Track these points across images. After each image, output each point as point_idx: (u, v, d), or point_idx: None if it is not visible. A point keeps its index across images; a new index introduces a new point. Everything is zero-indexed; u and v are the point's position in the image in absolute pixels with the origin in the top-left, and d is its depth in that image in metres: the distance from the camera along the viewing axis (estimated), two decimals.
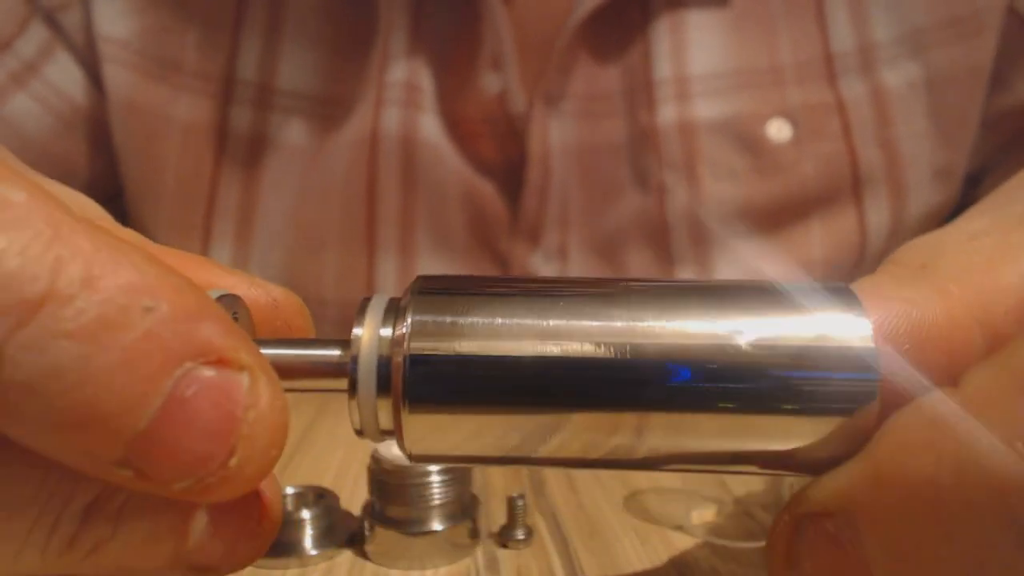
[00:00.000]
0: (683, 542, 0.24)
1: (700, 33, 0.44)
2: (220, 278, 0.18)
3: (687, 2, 0.44)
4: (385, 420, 0.16)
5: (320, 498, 0.25)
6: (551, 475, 0.30)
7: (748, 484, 0.27)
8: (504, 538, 0.24)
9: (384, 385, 0.15)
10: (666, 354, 0.15)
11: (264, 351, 0.14)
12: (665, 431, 0.15)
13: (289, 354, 0.16)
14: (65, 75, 0.46)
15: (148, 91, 0.45)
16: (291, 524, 0.23)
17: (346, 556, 0.24)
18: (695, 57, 0.44)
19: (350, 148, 0.44)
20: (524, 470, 0.30)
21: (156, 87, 0.45)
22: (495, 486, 0.29)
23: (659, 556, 0.24)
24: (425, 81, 0.44)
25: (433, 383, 0.15)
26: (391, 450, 0.24)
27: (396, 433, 0.16)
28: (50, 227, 0.12)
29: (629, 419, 0.15)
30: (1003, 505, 0.12)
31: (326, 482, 0.27)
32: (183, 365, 0.12)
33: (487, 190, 0.44)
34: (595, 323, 0.15)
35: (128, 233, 0.18)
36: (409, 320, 0.15)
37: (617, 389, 0.15)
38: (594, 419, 0.15)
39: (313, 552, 0.23)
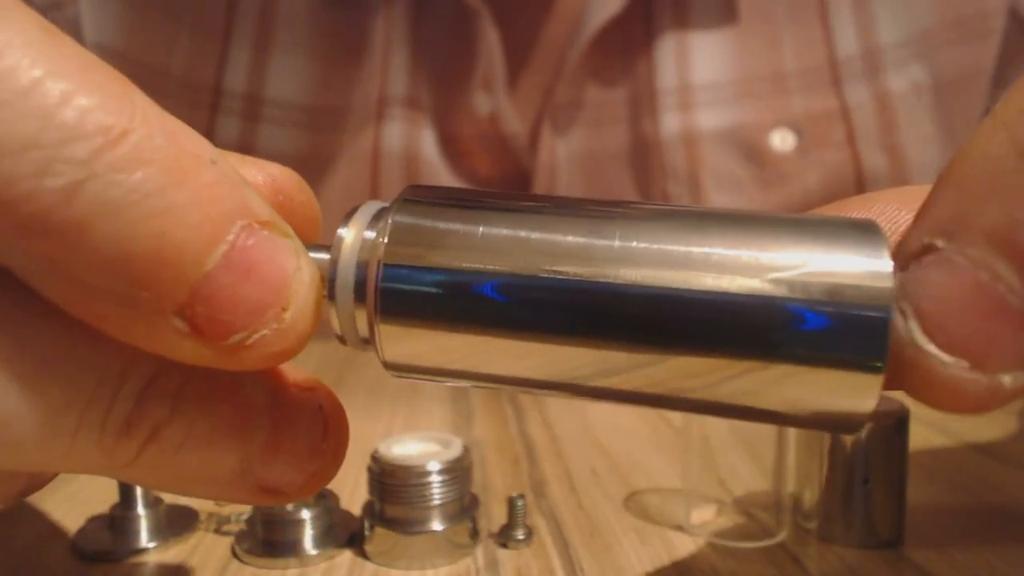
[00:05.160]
0: (683, 542, 0.24)
1: (704, 42, 0.44)
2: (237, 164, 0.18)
3: (691, 22, 0.44)
4: (363, 327, 0.15)
5: (320, 498, 0.25)
6: (551, 475, 0.30)
7: (748, 484, 0.27)
8: (504, 538, 0.24)
9: (360, 291, 0.15)
10: (656, 286, 0.14)
11: None
12: (643, 368, 0.14)
13: None
14: None
15: None
16: (291, 524, 0.23)
17: (346, 556, 0.24)
18: (698, 66, 0.44)
19: (349, 162, 0.44)
20: (524, 469, 0.30)
21: None
22: (495, 486, 0.29)
23: (659, 556, 0.24)
24: (424, 97, 0.44)
25: (406, 291, 0.14)
26: (391, 450, 0.24)
27: (372, 341, 0.15)
28: (129, 88, 0.13)
29: (597, 353, 0.14)
30: None
31: None
32: (242, 219, 0.13)
33: None
34: (582, 242, 0.14)
35: None
36: (389, 222, 0.15)
37: (599, 320, 0.14)
38: (568, 351, 0.14)
39: (313, 552, 0.23)
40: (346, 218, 0.15)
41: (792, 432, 0.25)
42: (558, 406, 0.38)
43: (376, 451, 0.24)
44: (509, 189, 0.44)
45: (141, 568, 0.23)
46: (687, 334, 0.14)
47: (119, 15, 0.44)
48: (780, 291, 0.13)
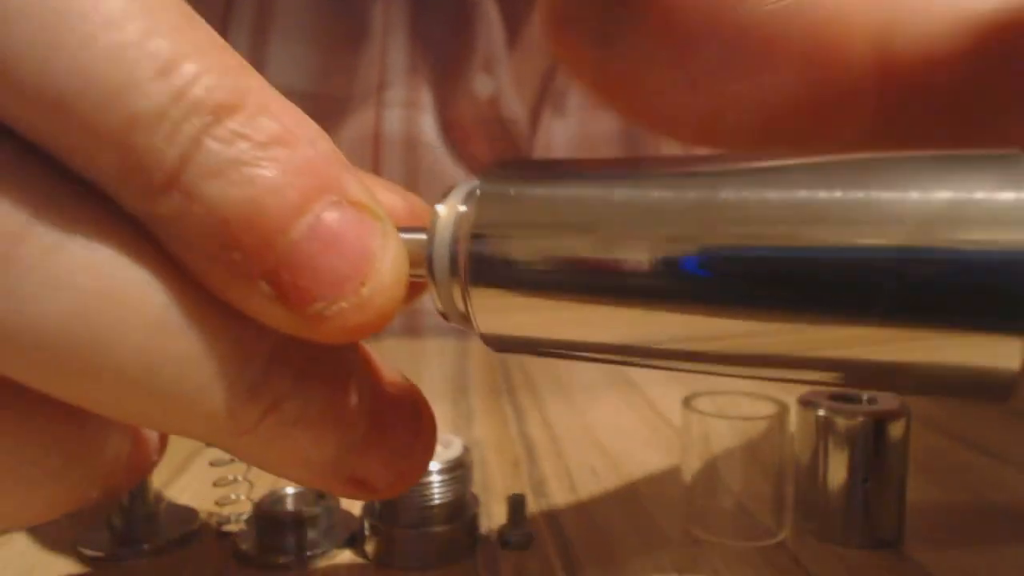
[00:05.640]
0: (683, 542, 0.24)
1: None
2: (362, 178, 0.19)
3: None
4: (460, 301, 0.15)
5: (320, 498, 0.25)
6: (551, 475, 0.30)
7: (748, 484, 0.27)
8: (504, 538, 0.24)
9: (455, 265, 0.15)
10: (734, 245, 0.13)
11: None
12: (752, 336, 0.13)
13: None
14: None
15: None
16: (291, 524, 0.23)
17: (346, 556, 0.24)
18: None
19: (351, 148, 0.44)
20: (524, 469, 0.30)
21: None
22: (495, 486, 0.29)
23: (659, 556, 0.24)
24: (424, 81, 0.44)
25: (496, 260, 0.14)
26: None
27: (468, 314, 0.15)
28: (243, 63, 0.14)
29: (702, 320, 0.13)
30: None
31: None
32: (332, 196, 0.14)
33: None
34: (693, 197, 0.13)
35: None
36: (477, 193, 0.15)
37: (735, 286, 0.13)
38: (662, 318, 0.13)
39: (313, 552, 0.23)
40: (443, 195, 0.16)
41: (792, 432, 0.25)
42: (558, 406, 0.38)
43: None
44: None
45: (141, 568, 0.23)
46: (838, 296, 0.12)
47: None
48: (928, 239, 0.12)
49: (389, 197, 0.19)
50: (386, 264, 0.14)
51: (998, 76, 0.15)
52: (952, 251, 0.11)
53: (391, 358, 0.19)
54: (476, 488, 0.25)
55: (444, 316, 0.16)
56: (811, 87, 0.14)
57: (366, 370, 0.16)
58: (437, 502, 0.23)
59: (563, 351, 0.15)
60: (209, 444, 0.16)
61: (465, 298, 0.15)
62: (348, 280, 0.14)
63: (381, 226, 0.14)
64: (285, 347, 0.15)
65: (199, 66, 0.13)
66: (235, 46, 0.15)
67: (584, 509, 0.27)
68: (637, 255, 0.13)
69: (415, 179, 0.44)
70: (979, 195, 0.12)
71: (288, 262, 0.13)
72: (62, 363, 0.13)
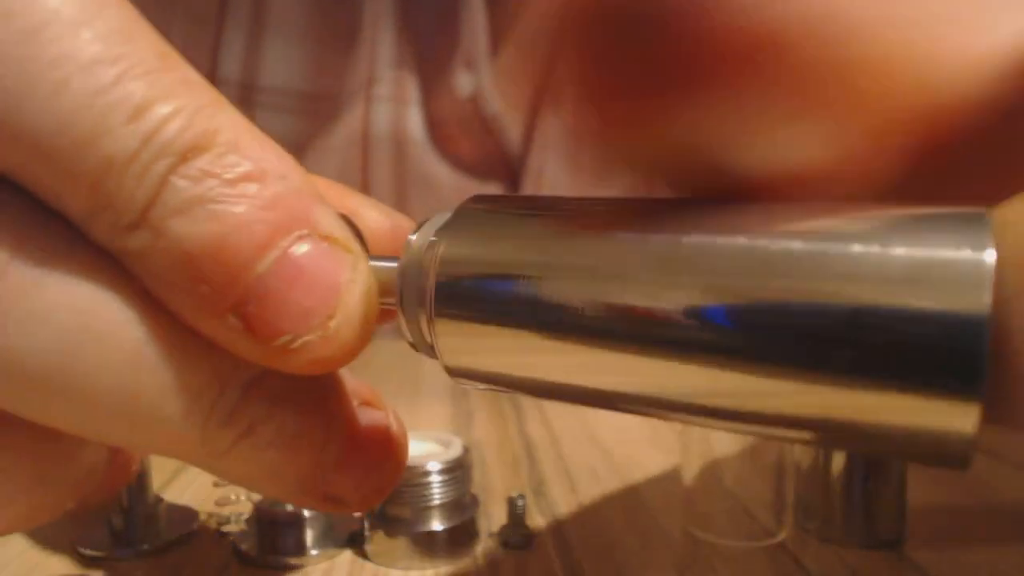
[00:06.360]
0: (683, 542, 0.24)
1: None
2: (347, 195, 0.19)
3: None
4: (428, 332, 0.15)
5: None
6: (551, 475, 0.30)
7: (748, 484, 0.27)
8: (504, 538, 0.24)
9: (422, 295, 0.15)
10: (697, 290, 0.12)
11: None
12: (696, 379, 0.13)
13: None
14: None
15: None
16: (291, 524, 0.23)
17: (346, 556, 0.24)
18: None
19: (342, 147, 0.44)
20: (524, 469, 0.30)
21: None
22: (495, 486, 0.29)
23: (659, 556, 0.24)
24: (410, 77, 0.44)
25: (462, 293, 0.14)
26: None
27: (434, 345, 0.15)
28: (217, 101, 0.14)
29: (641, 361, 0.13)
30: None
31: None
32: (301, 229, 0.14)
33: (471, 186, 0.45)
34: (629, 256, 0.13)
35: None
36: (448, 225, 0.15)
37: (638, 326, 0.13)
38: (615, 358, 0.13)
39: (313, 552, 0.23)
40: (418, 225, 0.16)
41: None
42: (558, 406, 0.38)
43: None
44: (490, 171, 0.44)
45: (141, 568, 0.23)
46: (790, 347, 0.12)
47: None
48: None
49: (373, 216, 0.19)
50: (354, 297, 0.14)
51: None
52: (905, 312, 0.11)
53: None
54: (476, 488, 0.25)
55: (413, 346, 0.16)
56: (847, 136, 0.14)
57: (341, 391, 0.17)
58: (437, 502, 0.23)
59: (527, 389, 0.15)
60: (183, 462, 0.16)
61: (431, 329, 0.15)
62: (314, 314, 0.14)
63: (351, 259, 0.15)
64: (263, 372, 0.15)
65: (172, 107, 0.13)
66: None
67: (584, 509, 0.27)
68: (586, 298, 0.13)
69: (403, 177, 0.44)
70: (937, 255, 0.11)
71: (255, 296, 0.14)
72: (41, 394, 0.14)
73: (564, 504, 0.27)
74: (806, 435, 0.13)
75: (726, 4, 0.13)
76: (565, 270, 0.14)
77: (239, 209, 0.14)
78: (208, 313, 0.14)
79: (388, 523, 0.23)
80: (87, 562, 0.24)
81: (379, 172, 0.44)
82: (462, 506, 0.24)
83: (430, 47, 0.44)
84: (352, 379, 0.18)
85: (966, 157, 0.14)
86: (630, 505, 0.27)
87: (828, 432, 0.12)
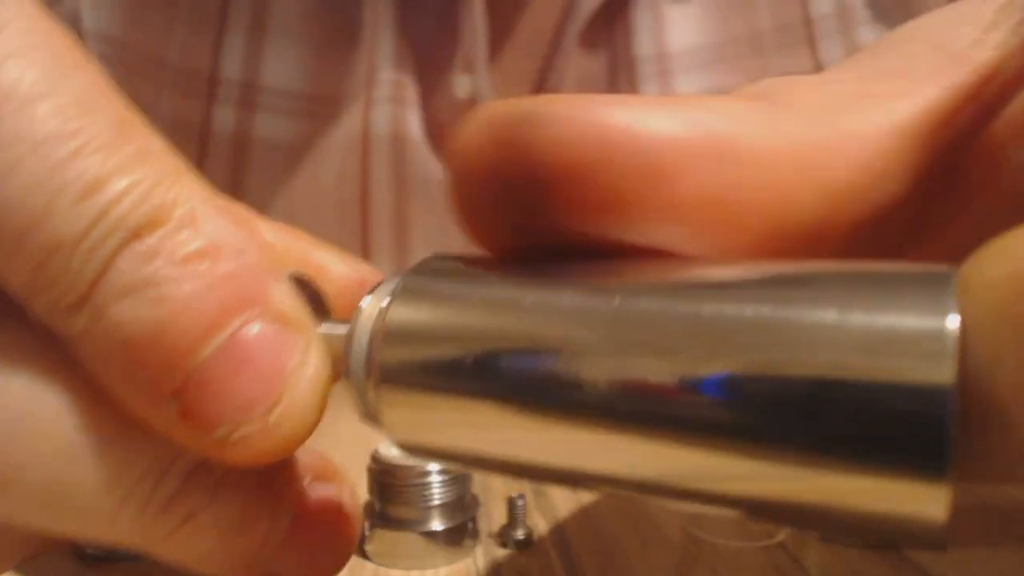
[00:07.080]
0: (683, 542, 0.24)
1: (680, 8, 0.44)
2: (312, 249, 0.19)
3: None
4: (374, 404, 0.14)
5: None
6: None
7: None
8: (504, 538, 0.24)
9: (369, 365, 0.14)
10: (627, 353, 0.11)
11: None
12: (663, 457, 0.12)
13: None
14: None
15: (131, 88, 0.44)
16: None
17: None
18: (675, 33, 0.44)
19: (341, 149, 0.44)
20: None
21: (140, 84, 0.44)
22: (495, 486, 0.29)
23: (659, 556, 0.24)
24: (409, 79, 0.44)
25: (405, 365, 0.13)
26: (391, 450, 0.24)
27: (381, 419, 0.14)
28: (175, 171, 0.14)
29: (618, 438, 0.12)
30: None
31: None
32: (252, 310, 0.13)
33: None
34: (588, 322, 0.12)
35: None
36: (399, 289, 0.14)
37: (606, 400, 0.12)
38: (580, 436, 0.12)
39: None
40: (372, 289, 0.15)
41: None
42: None
43: (376, 451, 0.24)
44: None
45: (141, 568, 0.23)
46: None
47: (117, 3, 0.44)
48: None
49: (339, 270, 0.18)
50: (301, 383, 0.14)
51: (937, 182, 0.14)
52: (865, 384, 0.10)
53: None
54: (476, 488, 0.25)
55: (363, 419, 0.15)
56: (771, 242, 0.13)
57: (290, 469, 0.16)
58: (437, 502, 0.23)
59: (477, 465, 0.14)
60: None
61: (376, 399, 0.14)
62: (257, 403, 0.13)
63: (302, 341, 0.14)
64: (208, 462, 0.14)
65: (127, 182, 0.13)
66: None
67: (584, 510, 0.27)
68: (530, 368, 0.12)
69: (403, 179, 0.44)
70: (897, 323, 0.10)
71: (196, 382, 0.13)
72: None
73: (564, 504, 0.27)
74: (767, 515, 0.12)
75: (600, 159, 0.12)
76: (516, 340, 0.12)
77: (186, 290, 0.13)
78: (146, 400, 0.13)
79: (388, 523, 0.23)
80: (87, 562, 0.24)
81: (379, 173, 0.44)
82: (462, 506, 0.24)
83: (429, 49, 0.44)
84: (304, 452, 0.16)
85: (895, 225, 0.14)
86: (630, 505, 0.27)
87: (791, 515, 0.12)
